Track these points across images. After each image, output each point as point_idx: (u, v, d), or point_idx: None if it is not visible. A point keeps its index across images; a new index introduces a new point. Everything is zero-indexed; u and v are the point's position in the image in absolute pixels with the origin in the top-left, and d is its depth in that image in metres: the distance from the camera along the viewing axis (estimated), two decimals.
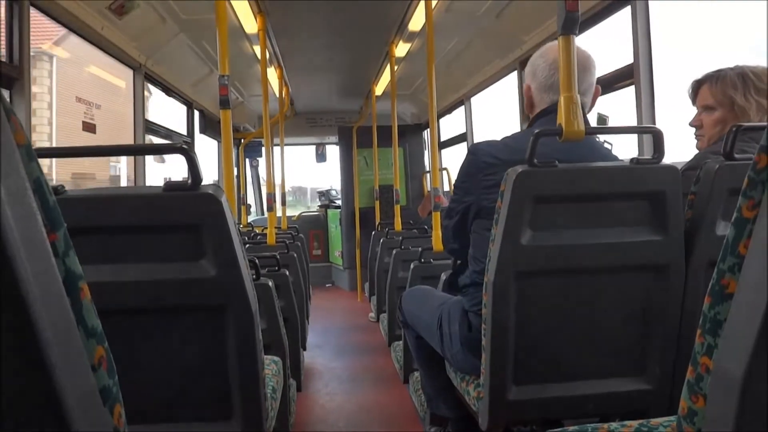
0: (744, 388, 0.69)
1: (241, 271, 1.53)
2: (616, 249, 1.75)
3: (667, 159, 1.76)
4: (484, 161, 1.97)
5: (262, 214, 9.60)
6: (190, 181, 1.48)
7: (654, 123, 3.14)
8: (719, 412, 0.75)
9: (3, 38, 2.80)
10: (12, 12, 2.82)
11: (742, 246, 0.76)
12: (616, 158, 1.99)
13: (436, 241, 3.76)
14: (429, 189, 7.89)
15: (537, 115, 2.07)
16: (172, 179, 1.50)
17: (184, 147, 1.51)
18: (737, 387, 0.69)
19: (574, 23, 1.70)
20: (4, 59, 2.78)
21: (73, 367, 0.63)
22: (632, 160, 1.76)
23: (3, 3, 2.76)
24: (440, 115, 7.37)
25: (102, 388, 0.72)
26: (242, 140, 8.41)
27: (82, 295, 0.71)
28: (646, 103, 3.14)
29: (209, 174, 7.57)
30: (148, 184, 4.60)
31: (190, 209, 1.48)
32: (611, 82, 3.46)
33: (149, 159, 4.88)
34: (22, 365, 0.57)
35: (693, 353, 0.84)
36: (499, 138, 2.06)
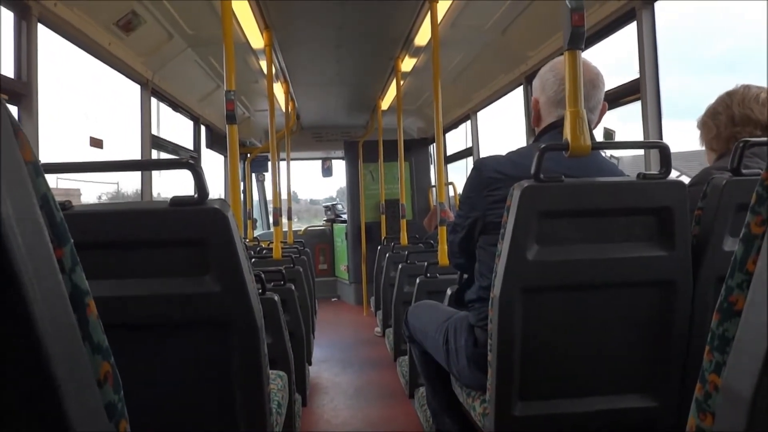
0: (752, 407, 0.68)
1: (247, 287, 1.53)
2: (622, 264, 1.74)
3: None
4: (489, 176, 1.97)
5: (269, 228, 9.60)
6: (196, 196, 1.48)
7: (661, 138, 3.14)
8: (728, 431, 0.74)
9: (12, 54, 2.82)
10: (20, 28, 2.84)
11: (750, 262, 0.76)
12: (622, 173, 1.98)
13: (442, 255, 3.76)
14: (435, 203, 7.89)
15: (543, 129, 2.07)
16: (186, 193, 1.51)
17: (190, 162, 1.51)
18: (746, 405, 0.69)
19: (580, 38, 1.70)
20: (12, 75, 2.80)
21: (78, 383, 0.63)
22: (639, 175, 1.75)
23: (11, 20, 2.78)
24: (446, 130, 7.37)
25: (107, 404, 0.72)
26: (248, 155, 8.43)
27: (89, 311, 0.71)
28: (652, 118, 3.14)
29: (216, 189, 7.59)
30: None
31: (197, 224, 1.48)
32: (617, 97, 3.46)
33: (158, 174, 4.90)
34: (28, 381, 0.57)
35: (701, 371, 0.83)
36: (504, 153, 2.06)
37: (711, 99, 2.22)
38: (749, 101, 2.09)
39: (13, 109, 2.82)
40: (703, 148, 2.26)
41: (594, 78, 1.97)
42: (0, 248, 0.53)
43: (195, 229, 1.49)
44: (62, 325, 0.62)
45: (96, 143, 3.59)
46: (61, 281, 0.64)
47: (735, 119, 2.10)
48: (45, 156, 2.86)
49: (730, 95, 2.15)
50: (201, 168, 1.51)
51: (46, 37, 3.03)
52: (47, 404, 0.58)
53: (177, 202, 1.48)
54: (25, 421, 0.58)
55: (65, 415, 0.59)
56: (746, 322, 0.72)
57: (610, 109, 3.43)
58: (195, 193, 1.49)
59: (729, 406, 0.74)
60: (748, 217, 0.77)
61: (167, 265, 1.51)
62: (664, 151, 1.76)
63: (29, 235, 0.57)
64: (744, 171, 1.73)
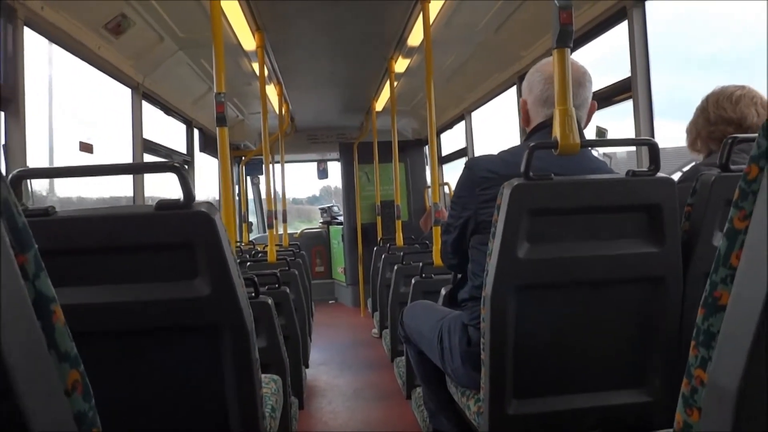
0: (738, 401, 0.68)
1: (236, 290, 1.52)
2: (613, 261, 1.74)
3: None
4: (480, 176, 1.97)
5: (264, 231, 9.60)
6: (182, 200, 1.47)
7: (653, 135, 3.14)
8: (714, 426, 0.74)
9: None
10: (5, 32, 2.81)
11: (734, 257, 0.76)
12: (611, 171, 1.98)
13: (437, 255, 3.76)
14: (430, 204, 7.90)
15: (533, 129, 2.07)
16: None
17: (175, 165, 1.50)
18: (731, 400, 0.68)
19: (568, 36, 1.70)
20: None
21: (43, 392, 0.62)
22: (628, 172, 1.75)
23: None
24: (441, 130, 7.38)
25: (77, 413, 0.71)
26: (242, 158, 8.42)
27: (55, 318, 0.69)
28: (644, 116, 3.14)
29: (212, 192, 7.58)
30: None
31: (183, 228, 1.47)
32: (609, 96, 3.46)
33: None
34: None
35: (687, 366, 0.83)
36: (496, 153, 2.06)
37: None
38: (723, 101, 2.15)
39: (0, 115, 2.80)
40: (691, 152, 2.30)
41: (580, 77, 1.97)
42: None
43: (182, 233, 1.48)
44: (24, 332, 0.61)
45: (86, 148, 3.57)
46: (23, 287, 0.62)
47: (710, 119, 2.16)
48: (33, 161, 2.84)
49: (707, 97, 2.21)
50: (186, 171, 1.50)
51: (32, 41, 3.01)
52: (9, 414, 0.57)
53: (163, 205, 1.47)
54: None
55: (29, 425, 0.58)
56: (731, 317, 0.72)
57: (602, 107, 3.44)
58: (181, 197, 1.48)
59: (715, 400, 0.73)
60: (731, 212, 0.77)
61: (155, 270, 1.50)
62: (653, 149, 1.76)
63: None
64: (732, 167, 1.73)
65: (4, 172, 0.61)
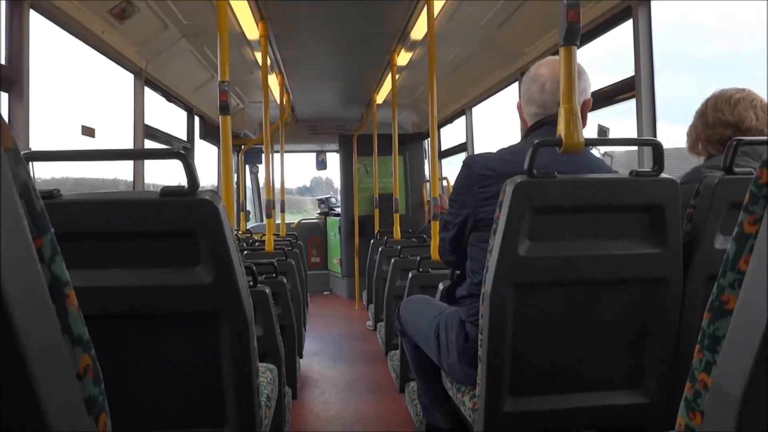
0: (743, 406, 0.68)
1: (237, 278, 1.52)
2: (614, 261, 1.74)
3: None
4: (479, 173, 1.97)
5: (261, 220, 9.59)
6: (187, 187, 1.47)
7: (655, 136, 3.14)
8: (717, 430, 0.74)
9: (3, 41, 2.80)
10: (12, 14, 2.82)
11: (742, 262, 0.75)
12: (611, 170, 1.99)
13: (435, 250, 3.76)
14: (428, 198, 7.89)
15: (531, 127, 2.09)
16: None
17: (181, 152, 1.50)
18: (736, 405, 0.68)
19: (575, 34, 1.70)
20: (3, 62, 2.78)
21: (56, 376, 0.62)
22: (632, 172, 1.75)
23: (3, 5, 2.76)
24: (441, 125, 7.36)
25: (87, 397, 0.70)
26: (242, 147, 8.41)
27: (68, 302, 0.69)
28: (647, 115, 3.14)
29: (209, 180, 7.56)
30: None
31: (187, 215, 1.47)
32: (611, 95, 3.46)
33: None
34: (4, 374, 0.55)
35: (691, 369, 0.83)
36: (498, 149, 2.07)
37: None
38: (721, 104, 2.15)
39: (4, 96, 2.80)
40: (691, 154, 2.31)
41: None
42: None
43: (185, 220, 1.48)
44: (40, 316, 0.61)
45: (88, 132, 3.57)
46: (40, 271, 0.62)
47: (709, 122, 2.17)
48: (35, 144, 2.84)
49: (706, 100, 2.22)
50: (192, 158, 1.50)
51: (37, 23, 3.01)
52: (23, 397, 0.57)
53: (167, 192, 1.47)
54: (1, 414, 0.57)
55: (42, 408, 0.58)
56: (738, 322, 0.72)
57: (604, 106, 3.44)
58: (185, 183, 1.48)
59: (719, 405, 0.73)
60: (741, 215, 0.76)
61: (157, 256, 1.50)
62: (657, 149, 1.76)
63: (7, 224, 0.56)
64: (739, 170, 1.73)
65: None
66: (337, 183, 9.70)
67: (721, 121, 2.13)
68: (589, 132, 2.06)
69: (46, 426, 0.59)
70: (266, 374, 2.18)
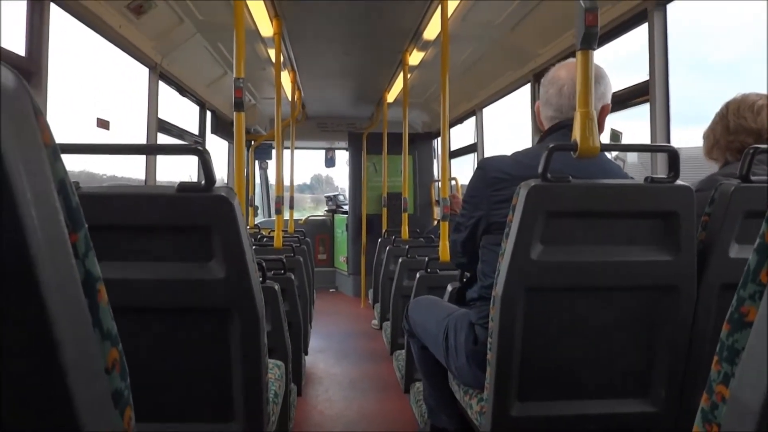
0: (761, 419, 0.68)
1: (250, 275, 1.53)
2: (627, 267, 1.73)
3: None
4: (493, 176, 1.97)
5: (269, 216, 9.61)
6: (203, 183, 1.48)
7: (669, 141, 3.13)
8: None
9: (24, 33, 2.82)
10: (33, 7, 2.83)
11: (764, 274, 0.75)
12: (626, 176, 1.98)
13: (443, 251, 3.75)
14: (436, 198, 7.89)
15: (547, 130, 2.08)
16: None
17: (199, 149, 1.51)
18: (754, 418, 0.68)
19: (593, 38, 1.69)
20: (23, 54, 2.80)
21: (86, 369, 0.63)
22: (647, 178, 1.74)
23: None
24: (451, 125, 7.35)
25: (114, 391, 0.72)
26: (252, 142, 8.42)
27: (100, 297, 0.70)
28: (661, 120, 3.13)
29: (218, 174, 7.57)
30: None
31: (203, 210, 1.48)
32: (625, 99, 3.45)
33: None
34: (36, 366, 0.56)
35: (708, 381, 0.82)
36: (509, 151, 2.06)
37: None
38: (744, 110, 2.10)
39: None
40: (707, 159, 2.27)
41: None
42: (16, 232, 0.52)
43: (201, 216, 1.49)
44: (73, 310, 0.62)
45: (103, 124, 3.59)
46: (75, 266, 0.63)
47: (730, 128, 2.11)
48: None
49: (727, 104, 2.16)
50: (209, 155, 1.51)
51: (57, 16, 3.02)
52: (55, 390, 0.58)
53: (184, 188, 1.48)
54: (31, 406, 0.58)
55: (72, 401, 0.59)
56: (758, 334, 0.72)
57: (617, 110, 3.43)
58: (202, 179, 1.49)
59: (736, 417, 0.73)
60: (763, 227, 0.75)
61: (172, 250, 1.51)
62: (673, 155, 1.75)
63: (46, 220, 0.57)
64: (755, 178, 1.72)
65: None
66: (338, 181, 9.70)
67: (744, 128, 2.08)
68: (604, 137, 2.05)
69: (75, 419, 0.59)
70: (274, 370, 2.18)
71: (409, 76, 5.62)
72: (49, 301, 0.55)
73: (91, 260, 0.69)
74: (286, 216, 6.36)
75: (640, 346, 1.81)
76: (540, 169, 1.67)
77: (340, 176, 15.24)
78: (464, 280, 2.60)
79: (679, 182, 1.73)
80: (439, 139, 8.02)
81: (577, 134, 1.71)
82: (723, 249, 1.75)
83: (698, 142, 2.29)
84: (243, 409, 1.62)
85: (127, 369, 0.75)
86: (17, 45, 2.79)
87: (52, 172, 0.61)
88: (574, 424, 1.83)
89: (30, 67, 2.83)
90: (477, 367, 1.99)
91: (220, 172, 7.58)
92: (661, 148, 2.79)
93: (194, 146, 1.54)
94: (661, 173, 1.77)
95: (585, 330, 1.78)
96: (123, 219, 1.48)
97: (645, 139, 3.25)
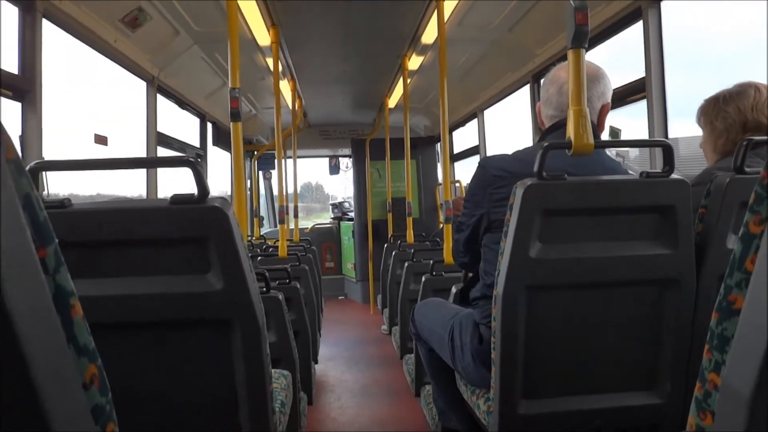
0: (752, 406, 0.68)
1: (248, 285, 1.53)
2: (625, 262, 1.73)
3: None
4: (493, 174, 1.97)
5: (275, 226, 9.63)
6: (197, 194, 1.48)
7: (666, 137, 3.13)
8: (727, 430, 0.73)
9: (16, 50, 2.83)
10: (24, 24, 2.84)
11: (749, 262, 0.75)
12: (626, 172, 1.98)
13: (448, 253, 3.75)
14: (441, 201, 7.89)
15: (547, 129, 2.09)
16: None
17: (190, 160, 1.51)
18: (745, 404, 0.68)
19: (583, 36, 1.70)
20: (16, 71, 2.81)
21: (62, 385, 0.62)
22: (642, 173, 1.74)
23: (15, 15, 2.78)
24: (453, 128, 7.36)
25: (94, 407, 0.71)
26: (255, 152, 8.44)
27: (74, 312, 0.70)
28: (658, 116, 3.13)
29: (223, 186, 7.60)
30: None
31: (197, 222, 1.48)
32: (623, 96, 3.45)
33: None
34: (8, 384, 0.56)
35: (701, 369, 0.83)
36: (510, 151, 2.07)
37: None
38: (762, 106, 2.03)
39: (17, 105, 2.82)
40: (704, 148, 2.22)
41: (591, 73, 1.96)
42: None
43: (195, 228, 1.48)
44: (44, 326, 0.61)
45: (100, 140, 3.59)
46: (44, 282, 0.62)
47: (747, 125, 2.04)
48: (48, 153, 2.87)
49: (740, 98, 2.06)
50: (201, 166, 1.51)
51: (50, 32, 3.03)
52: (28, 407, 0.57)
53: (177, 200, 1.48)
54: (4, 423, 0.57)
55: (47, 418, 0.58)
56: (745, 321, 0.72)
57: (615, 107, 3.43)
58: (195, 191, 1.49)
59: (728, 404, 0.73)
60: (746, 216, 0.76)
61: (168, 264, 1.51)
62: (668, 150, 1.75)
63: (10, 235, 0.56)
64: (750, 170, 1.72)
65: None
66: (328, 189, 9.70)
67: (763, 125, 2.02)
68: (605, 135, 2.05)
69: None
70: (280, 380, 2.18)
71: (409, 80, 5.63)
72: (17, 316, 0.55)
73: (62, 275, 0.69)
74: (292, 225, 6.37)
75: (643, 339, 1.81)
76: (535, 168, 1.67)
77: (332, 184, 15.25)
78: (467, 279, 2.60)
79: (674, 176, 1.73)
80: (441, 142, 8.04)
81: (571, 132, 1.72)
82: (720, 240, 1.75)
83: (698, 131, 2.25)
84: (248, 420, 1.62)
85: (108, 384, 0.75)
86: (10, 63, 2.80)
87: (15, 187, 0.61)
88: (581, 419, 1.83)
89: (23, 85, 2.83)
90: (483, 366, 1.99)
91: (224, 184, 7.59)
92: (656, 143, 2.79)
93: (186, 158, 1.54)
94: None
95: (587, 326, 1.78)
96: (117, 234, 1.48)
97: (646, 135, 3.25)
